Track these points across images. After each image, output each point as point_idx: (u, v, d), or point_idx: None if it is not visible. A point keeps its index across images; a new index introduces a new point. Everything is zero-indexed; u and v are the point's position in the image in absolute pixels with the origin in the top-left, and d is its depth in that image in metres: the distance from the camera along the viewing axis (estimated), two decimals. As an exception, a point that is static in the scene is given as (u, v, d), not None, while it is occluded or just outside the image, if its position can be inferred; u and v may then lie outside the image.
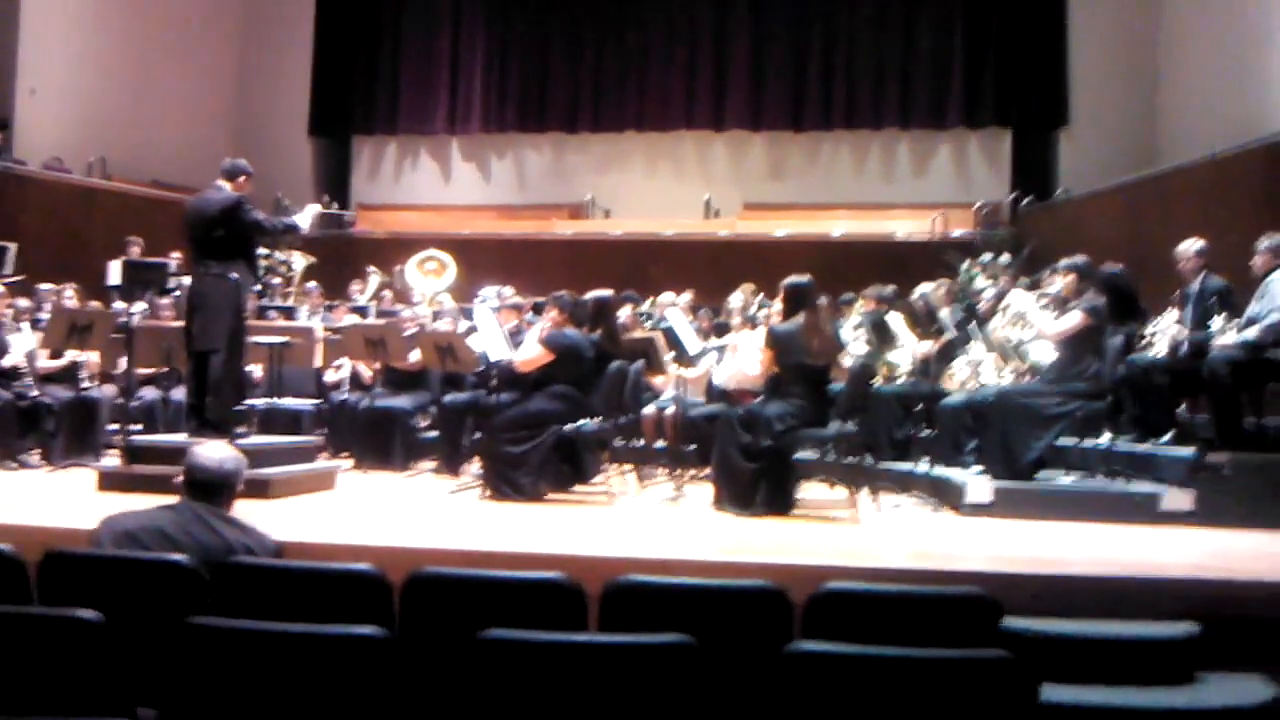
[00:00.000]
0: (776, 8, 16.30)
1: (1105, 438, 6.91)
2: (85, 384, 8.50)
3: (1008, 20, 15.68)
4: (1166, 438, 7.20)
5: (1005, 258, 12.53)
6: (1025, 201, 14.71)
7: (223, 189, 6.85)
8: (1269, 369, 6.45)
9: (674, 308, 9.82)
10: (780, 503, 6.36)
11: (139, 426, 8.42)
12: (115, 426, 8.20)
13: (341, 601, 3.23)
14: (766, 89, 16.33)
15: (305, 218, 7.36)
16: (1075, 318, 6.66)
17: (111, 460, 7.55)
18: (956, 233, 14.51)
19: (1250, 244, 7.13)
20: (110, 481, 6.61)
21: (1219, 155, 11.07)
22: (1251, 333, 6.42)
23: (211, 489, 3.63)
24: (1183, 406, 7.46)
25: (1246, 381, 6.52)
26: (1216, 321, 6.59)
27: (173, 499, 3.71)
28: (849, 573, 4.30)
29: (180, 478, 3.68)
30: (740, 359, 7.85)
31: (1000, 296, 8.13)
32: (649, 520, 6.28)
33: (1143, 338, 7.47)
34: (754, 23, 16.33)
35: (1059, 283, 7.13)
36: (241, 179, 6.95)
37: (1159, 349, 7.13)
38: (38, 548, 3.51)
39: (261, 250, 8.79)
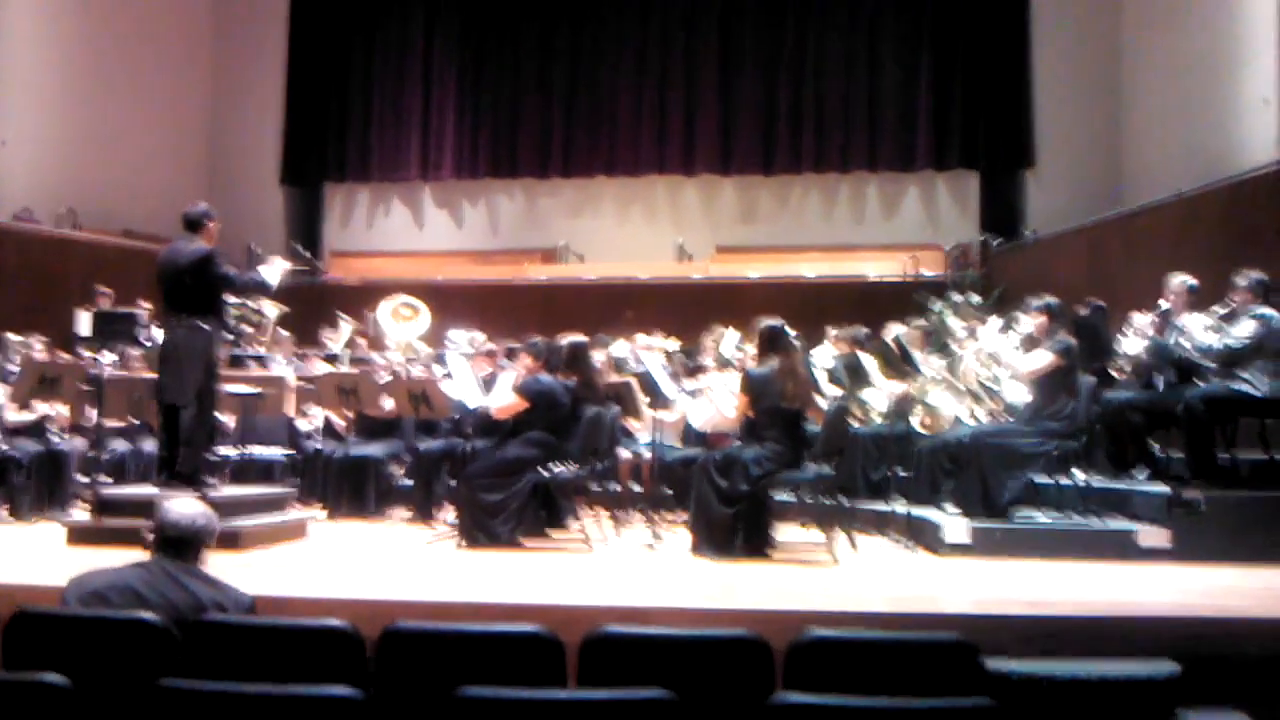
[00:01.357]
0: (745, 53, 16.45)
1: (1080, 476, 6.93)
2: (54, 437, 8.40)
3: (973, 64, 15.88)
4: (1141, 475, 7.24)
5: (976, 298, 12.64)
6: (995, 243, 14.84)
7: (193, 241, 6.80)
8: (1242, 404, 6.50)
9: (649, 352, 9.82)
10: (758, 547, 6.34)
11: (109, 479, 8.32)
12: (85, 479, 8.09)
13: (315, 658, 3.18)
14: (736, 134, 16.45)
15: (273, 274, 7.15)
16: (1047, 357, 6.70)
17: (81, 514, 7.44)
18: (927, 274, 14.61)
19: (1215, 282, 7.22)
20: (79, 536, 6.52)
21: (1184, 195, 11.21)
22: (1216, 342, 6.51)
23: (182, 545, 3.57)
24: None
25: (1220, 416, 6.57)
26: (1203, 318, 6.68)
27: (143, 554, 3.64)
28: (829, 618, 4.28)
29: (150, 534, 3.62)
30: (716, 402, 7.84)
31: (972, 336, 8.18)
32: (627, 567, 6.24)
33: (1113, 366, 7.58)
34: (722, 69, 16.47)
35: (1030, 323, 7.18)
36: (209, 225, 6.87)
37: (1129, 345, 7.26)
38: (5, 605, 3.44)
39: (232, 299, 8.70)
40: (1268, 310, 6.55)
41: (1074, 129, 15.27)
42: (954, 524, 6.52)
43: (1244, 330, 6.51)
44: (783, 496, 7.17)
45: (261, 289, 7.25)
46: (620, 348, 10.68)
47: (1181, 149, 12.90)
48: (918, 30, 16.10)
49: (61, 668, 2.75)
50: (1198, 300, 7.12)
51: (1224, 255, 9.21)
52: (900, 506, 7.17)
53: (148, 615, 3.24)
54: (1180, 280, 7.24)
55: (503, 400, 7.11)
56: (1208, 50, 12.46)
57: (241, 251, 13.01)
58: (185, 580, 3.48)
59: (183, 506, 3.64)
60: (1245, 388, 6.45)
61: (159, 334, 7.15)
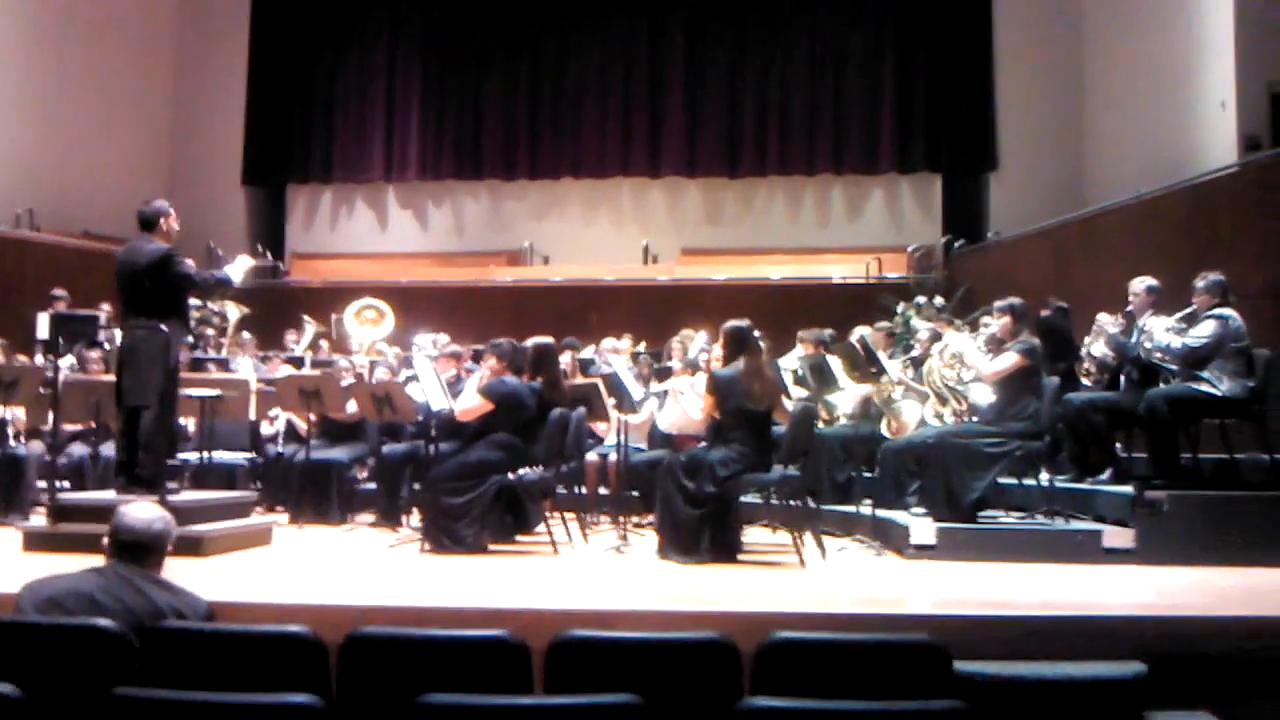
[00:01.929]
0: (710, 56, 16.47)
1: (1044, 477, 6.96)
2: (11, 441, 8.25)
3: (936, 67, 15.97)
4: (1105, 476, 7.29)
5: (939, 300, 12.72)
6: (957, 245, 14.93)
7: (151, 241, 6.68)
8: (1204, 404, 6.56)
9: (615, 354, 9.80)
10: (725, 549, 6.31)
11: (67, 484, 8.18)
12: (44, 484, 7.95)
13: (275, 666, 3.12)
14: (701, 136, 16.46)
15: (237, 270, 7.07)
16: (1011, 358, 6.73)
17: (38, 519, 7.31)
18: (891, 276, 14.68)
19: (1175, 281, 7.29)
20: (36, 542, 6.40)
21: (1144, 196, 11.32)
22: (1176, 342, 6.57)
23: (139, 550, 3.49)
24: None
25: (1182, 416, 6.62)
26: (1166, 320, 6.76)
27: (101, 560, 3.57)
28: (797, 620, 4.27)
29: (107, 539, 3.55)
30: (683, 404, 7.82)
31: (936, 338, 8.21)
32: (593, 571, 6.20)
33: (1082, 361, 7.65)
34: (688, 71, 16.49)
35: (994, 324, 7.21)
36: (162, 222, 6.72)
37: (1095, 348, 7.35)
38: (-44, 615, 3.36)
39: (194, 301, 8.58)
40: (1226, 310, 6.61)
41: (1036, 132, 15.40)
42: (920, 525, 6.54)
43: (1203, 330, 6.57)
44: (749, 499, 7.16)
45: (223, 285, 7.12)
46: (588, 351, 10.66)
47: (1142, 151, 13.04)
48: (881, 33, 16.19)
49: (14, 677, 2.68)
50: (1159, 300, 7.18)
51: (1184, 256, 9.31)
52: (866, 508, 7.17)
53: (104, 622, 3.17)
54: (1138, 281, 7.31)
55: (467, 403, 7.05)
56: (1167, 55, 12.59)
57: (202, 251, 12.85)
58: (143, 586, 3.41)
59: (139, 511, 3.57)
60: (1206, 388, 6.51)
61: (120, 336, 7.00)
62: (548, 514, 7.16)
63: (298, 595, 5.09)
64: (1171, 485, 6.34)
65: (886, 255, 15.13)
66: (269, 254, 15.29)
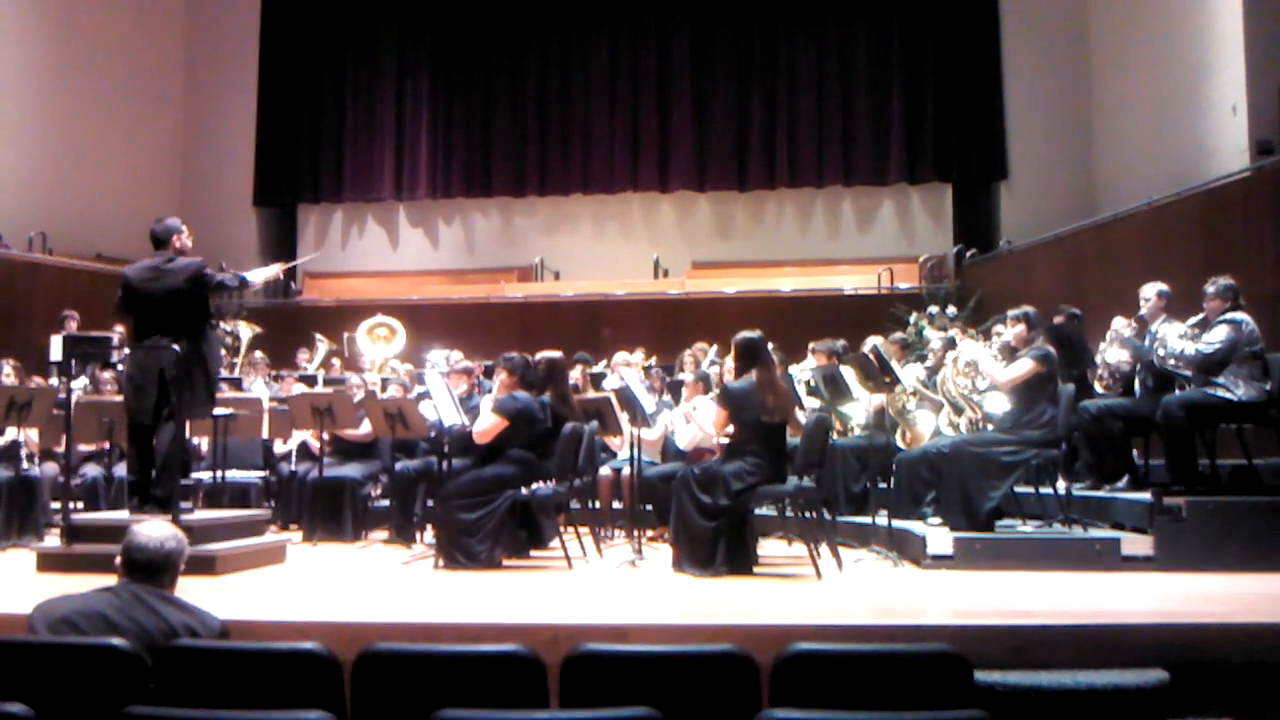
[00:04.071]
0: (717, 70, 16.49)
1: (1061, 485, 6.92)
2: (25, 463, 8.26)
3: (944, 77, 15.96)
4: (1122, 483, 7.24)
5: (952, 310, 12.69)
6: (969, 254, 14.89)
7: (172, 258, 6.71)
8: (1220, 409, 6.51)
9: (628, 368, 9.78)
10: (741, 562, 6.28)
11: (80, 505, 8.18)
12: (57, 505, 7.96)
13: (289, 683, 3.10)
14: (710, 150, 16.47)
15: (259, 275, 7.22)
16: (1026, 365, 6.69)
17: (52, 540, 7.32)
18: (903, 286, 14.64)
19: (1188, 287, 7.25)
20: (49, 563, 6.40)
21: (1155, 203, 11.27)
22: (1189, 348, 6.53)
23: (152, 569, 3.48)
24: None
25: (1199, 422, 6.57)
26: (1179, 326, 6.71)
27: (114, 580, 3.56)
28: (814, 632, 4.23)
29: (119, 558, 3.54)
30: (698, 422, 7.79)
31: (951, 345, 8.17)
32: (608, 585, 6.17)
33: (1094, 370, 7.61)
34: (695, 85, 16.50)
35: (1008, 332, 7.18)
36: (175, 239, 6.76)
37: (1110, 354, 7.32)
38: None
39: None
40: (1239, 315, 6.57)
41: (1046, 140, 15.36)
42: (936, 535, 6.49)
43: (1216, 336, 6.53)
44: (764, 511, 7.12)
45: (243, 285, 7.21)
46: (600, 365, 10.65)
47: (1152, 158, 12.99)
48: (888, 43, 16.19)
49: (26, 698, 2.67)
50: (1171, 306, 7.15)
51: (1197, 262, 9.26)
52: (882, 519, 7.13)
53: (117, 642, 3.16)
54: (1149, 287, 7.27)
55: (483, 424, 7.03)
56: (1176, 60, 12.55)
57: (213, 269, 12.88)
58: (155, 604, 3.40)
59: (152, 530, 3.55)
60: (1222, 393, 6.47)
61: (144, 357, 6.99)
62: (561, 528, 7.14)
63: (311, 613, 5.07)
64: (1190, 491, 6.29)
65: (898, 266, 15.10)
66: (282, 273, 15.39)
